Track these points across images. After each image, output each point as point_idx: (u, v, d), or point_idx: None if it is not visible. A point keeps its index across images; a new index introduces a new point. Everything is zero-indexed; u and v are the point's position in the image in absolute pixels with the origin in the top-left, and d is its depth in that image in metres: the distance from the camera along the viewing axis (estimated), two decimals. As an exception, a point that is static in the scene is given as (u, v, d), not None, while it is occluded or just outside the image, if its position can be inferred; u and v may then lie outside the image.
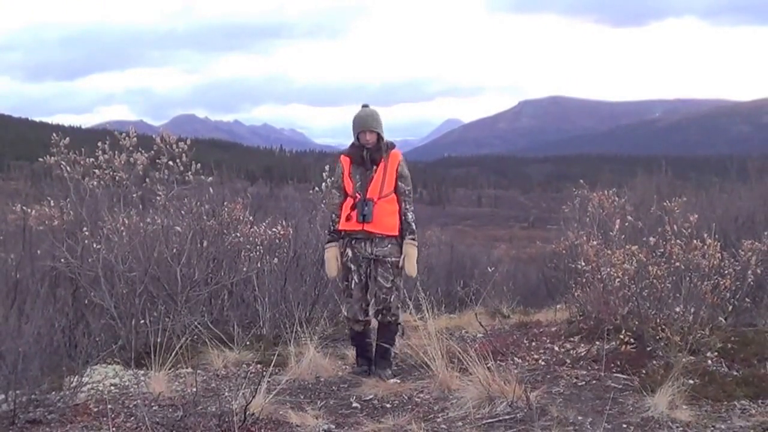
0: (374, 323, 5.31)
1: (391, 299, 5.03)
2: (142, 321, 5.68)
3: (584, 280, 6.01)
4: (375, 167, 5.00)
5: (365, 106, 5.11)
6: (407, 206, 5.06)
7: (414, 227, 5.09)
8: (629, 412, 4.12)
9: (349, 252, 5.04)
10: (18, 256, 5.70)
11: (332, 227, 5.16)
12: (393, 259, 4.99)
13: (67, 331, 5.26)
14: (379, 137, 5.01)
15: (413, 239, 5.06)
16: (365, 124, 5.00)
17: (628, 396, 4.41)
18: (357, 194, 4.98)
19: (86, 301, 5.77)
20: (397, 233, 5.02)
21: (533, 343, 6.03)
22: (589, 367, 5.08)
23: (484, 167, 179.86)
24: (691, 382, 4.45)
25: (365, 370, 5.16)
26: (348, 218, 4.98)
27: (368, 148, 5.00)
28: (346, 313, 5.18)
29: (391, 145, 5.11)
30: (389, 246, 4.99)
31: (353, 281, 5.05)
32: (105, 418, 4.10)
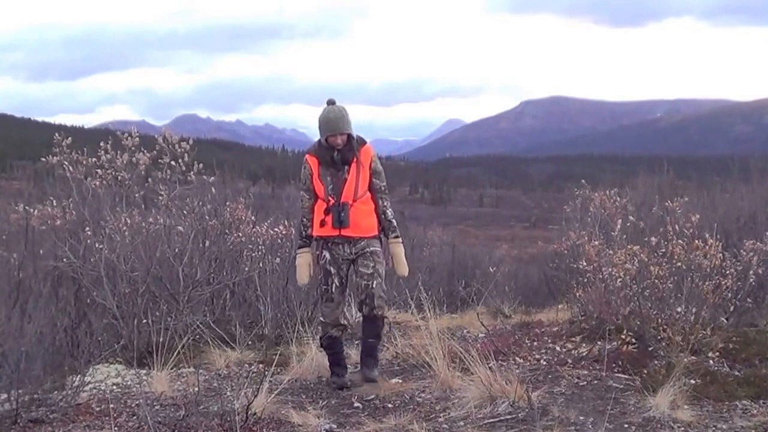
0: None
1: (374, 285, 4.72)
2: (145, 320, 5.69)
3: (586, 280, 6.02)
4: (347, 167, 4.68)
5: (331, 102, 4.71)
6: (385, 203, 4.81)
7: (395, 224, 4.86)
8: (631, 412, 4.12)
9: (327, 255, 4.75)
10: (20, 256, 5.71)
11: (304, 232, 4.86)
12: (372, 248, 4.74)
13: (69, 331, 5.27)
14: (349, 136, 4.68)
15: (397, 237, 4.84)
16: (335, 127, 4.63)
17: (629, 396, 4.41)
18: (330, 198, 4.66)
19: (88, 301, 5.78)
20: (376, 233, 4.80)
21: (535, 343, 6.03)
22: (591, 367, 5.08)
23: (486, 167, 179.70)
24: (692, 382, 4.45)
25: (344, 379, 4.86)
26: (322, 224, 4.70)
27: (338, 149, 4.67)
28: (324, 318, 4.86)
29: (361, 141, 4.76)
30: (366, 240, 4.74)
31: (333, 284, 4.77)
32: (107, 418, 4.11)
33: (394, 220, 4.85)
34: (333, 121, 4.62)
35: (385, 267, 4.88)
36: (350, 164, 4.67)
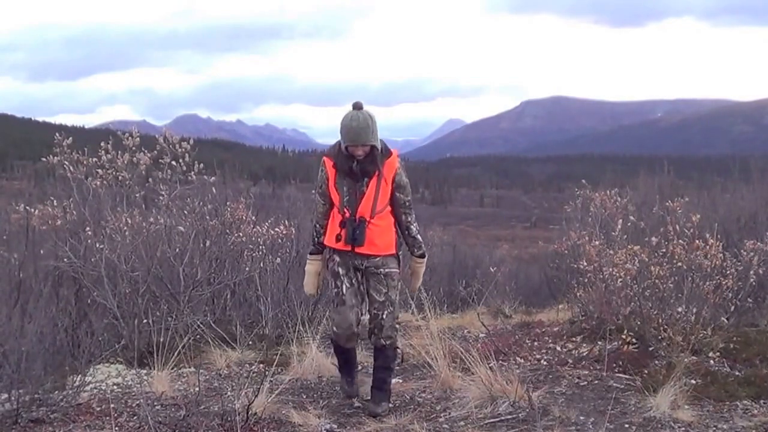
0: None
1: (384, 315, 4.23)
2: (145, 320, 5.69)
3: (586, 280, 6.01)
4: (366, 179, 4.15)
5: (357, 107, 4.08)
6: (409, 219, 4.30)
7: (421, 240, 4.39)
8: (631, 412, 4.13)
9: (337, 257, 4.28)
10: (21, 256, 5.71)
11: (317, 239, 4.39)
12: (386, 270, 4.25)
13: (69, 331, 5.27)
14: (373, 147, 4.11)
15: (422, 256, 4.40)
16: (356, 138, 4.05)
17: (630, 396, 4.42)
18: (345, 210, 4.17)
19: (89, 301, 5.78)
20: (393, 251, 4.28)
21: (535, 343, 6.03)
22: (591, 367, 5.08)
23: (487, 167, 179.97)
24: (693, 382, 4.45)
25: (353, 389, 4.59)
26: (338, 238, 4.20)
27: (359, 159, 4.12)
28: (336, 328, 4.31)
29: (386, 152, 4.22)
30: (381, 258, 4.25)
31: (344, 285, 4.26)
32: (108, 418, 4.11)
33: (419, 236, 4.38)
34: (354, 130, 4.03)
35: (400, 281, 4.42)
36: (371, 177, 4.15)
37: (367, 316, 4.37)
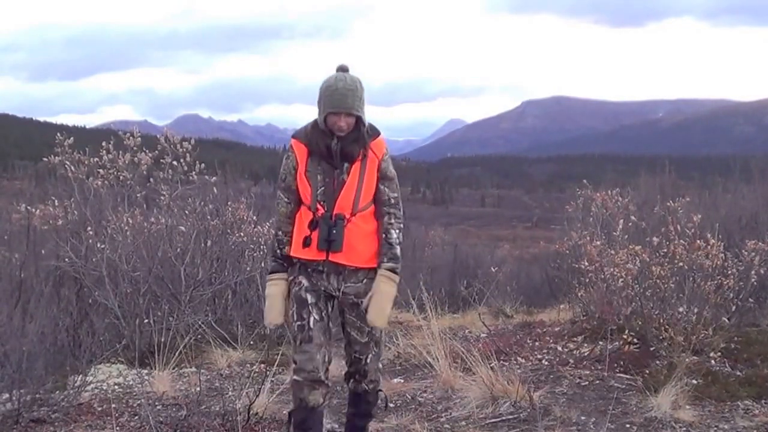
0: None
1: (368, 360, 3.29)
2: (146, 320, 5.70)
3: (587, 280, 6.02)
4: (348, 165, 3.15)
5: (342, 69, 3.14)
6: (390, 220, 3.22)
7: (397, 251, 3.21)
8: (632, 412, 4.13)
9: (305, 281, 3.21)
10: (22, 256, 5.73)
11: (279, 250, 3.28)
12: None
13: (71, 331, 5.28)
14: (358, 122, 3.12)
15: (393, 271, 3.19)
16: (341, 102, 3.06)
17: (631, 396, 4.42)
18: (319, 206, 3.14)
19: (90, 301, 5.79)
20: (377, 265, 3.22)
21: (536, 343, 6.03)
22: (593, 367, 5.08)
23: (488, 167, 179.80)
24: (694, 382, 4.45)
25: None
26: (306, 243, 3.14)
27: (340, 136, 3.12)
28: (297, 374, 3.20)
29: (373, 131, 3.22)
30: (365, 281, 3.20)
31: (312, 318, 3.18)
32: (109, 417, 4.12)
33: (398, 247, 3.23)
34: (340, 92, 3.06)
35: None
36: (353, 162, 3.15)
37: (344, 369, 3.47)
